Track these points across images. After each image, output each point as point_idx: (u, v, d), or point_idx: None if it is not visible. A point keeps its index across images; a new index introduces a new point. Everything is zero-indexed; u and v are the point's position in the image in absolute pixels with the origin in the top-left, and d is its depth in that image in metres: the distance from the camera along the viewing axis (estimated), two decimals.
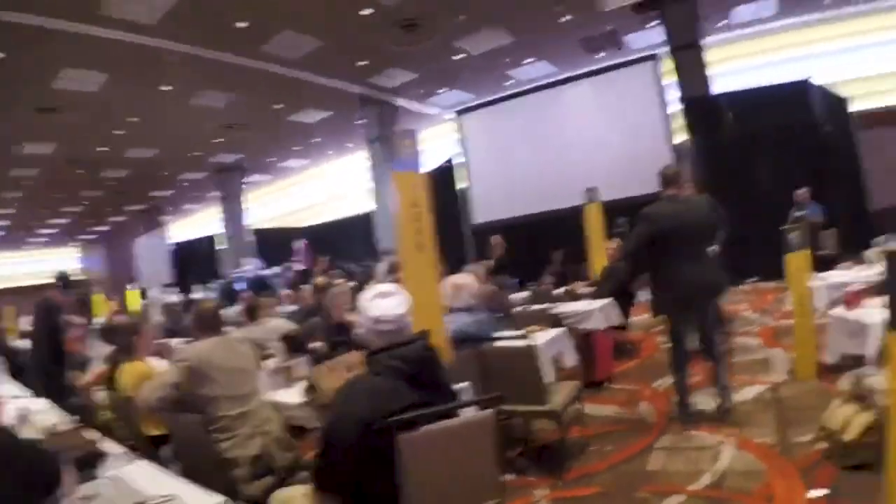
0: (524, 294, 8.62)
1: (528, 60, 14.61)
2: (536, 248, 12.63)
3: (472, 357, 4.14)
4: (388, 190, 15.83)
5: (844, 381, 4.33)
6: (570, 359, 5.17)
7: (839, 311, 4.40)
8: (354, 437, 1.98)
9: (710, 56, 12.70)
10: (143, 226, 25.83)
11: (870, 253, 7.01)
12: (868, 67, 14.60)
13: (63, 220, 25.13)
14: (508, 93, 16.26)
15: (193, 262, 22.03)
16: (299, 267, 16.46)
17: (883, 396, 2.85)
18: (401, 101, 16.48)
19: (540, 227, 14.10)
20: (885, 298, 1.97)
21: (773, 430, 4.34)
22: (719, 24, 13.82)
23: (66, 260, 28.37)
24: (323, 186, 22.66)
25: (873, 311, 3.94)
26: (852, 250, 10.85)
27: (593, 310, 6.13)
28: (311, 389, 3.29)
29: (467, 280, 4.69)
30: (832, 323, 4.47)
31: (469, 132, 17.01)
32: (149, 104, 13.35)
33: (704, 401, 4.91)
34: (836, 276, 6.06)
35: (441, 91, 16.14)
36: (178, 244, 24.41)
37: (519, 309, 6.43)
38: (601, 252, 8.44)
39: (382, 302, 2.25)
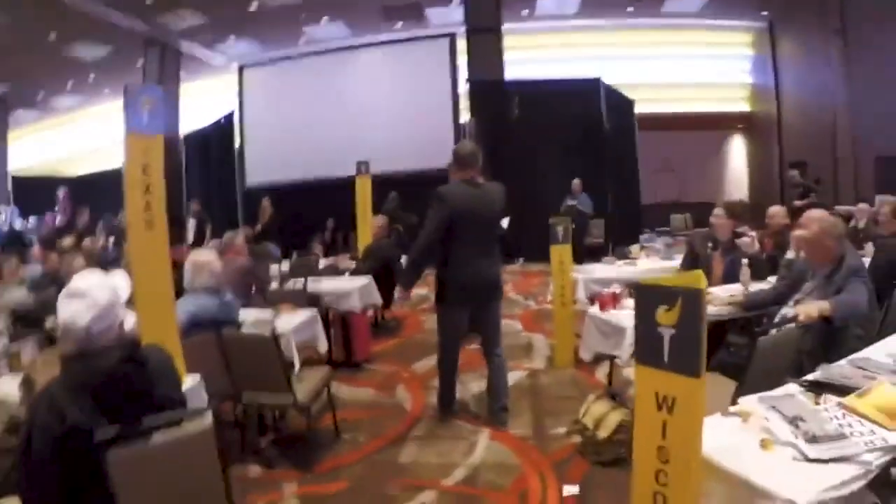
0: (285, 264, 7.96)
1: (325, 19, 13.80)
2: (309, 215, 12.22)
3: (210, 344, 3.68)
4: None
5: (600, 372, 4.89)
6: (322, 343, 4.87)
7: (594, 310, 4.32)
8: (48, 452, 1.75)
9: (507, 42, 12.72)
10: None
11: (633, 248, 7.22)
12: (652, 75, 15.71)
13: None
14: (296, 51, 15.26)
15: None
16: (58, 219, 14.53)
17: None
18: (187, 47, 14.90)
19: (314, 193, 13.27)
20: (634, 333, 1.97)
21: (529, 422, 4.34)
22: (522, 13, 13.99)
23: None
24: (98, 131, 19.94)
25: (627, 314, 3.94)
26: (622, 241, 11.73)
27: (352, 289, 5.85)
28: (27, 383, 2.73)
29: (209, 257, 4.05)
30: (588, 322, 4.38)
31: (250, 87, 15.62)
32: None
33: (473, 399, 4.80)
34: (599, 270, 6.10)
35: (230, 39, 14.79)
36: None
37: (275, 285, 6.00)
38: (367, 227, 8.11)
39: (68, 306, 1.87)
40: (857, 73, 12.74)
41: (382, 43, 14.53)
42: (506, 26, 12.64)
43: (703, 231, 5.43)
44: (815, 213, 3.39)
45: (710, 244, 4.84)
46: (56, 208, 15.27)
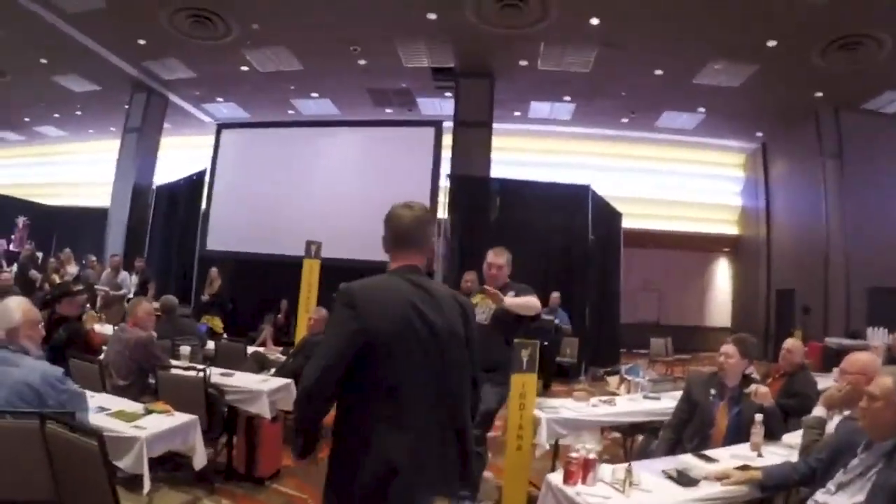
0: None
1: (314, 95, 13.50)
2: (266, 293, 11.55)
3: (29, 437, 2.63)
4: (129, 187, 13.94)
5: None
6: (200, 456, 3.84)
7: (556, 479, 3.22)
8: None
9: (496, 143, 12.29)
10: None
11: (611, 379, 6.48)
12: (639, 190, 15.43)
13: None
14: (276, 118, 14.83)
15: None
16: (11, 246, 14.53)
17: None
18: (175, 98, 14.54)
19: (274, 270, 12.34)
20: None
21: None
22: (515, 114, 13.75)
23: None
24: (79, 168, 19.65)
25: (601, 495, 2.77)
26: (597, 361, 10.86)
27: (263, 391, 4.84)
28: None
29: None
30: (545, 494, 3.32)
31: (225, 148, 14.75)
32: None
33: None
34: (568, 407, 4.78)
35: (219, 100, 14.49)
36: None
37: (175, 370, 4.86)
38: (307, 315, 7.12)
39: None
40: (852, 199, 12.47)
41: (366, 123, 14.04)
42: (496, 126, 12.27)
43: (702, 373, 4.37)
44: (887, 369, 2.56)
45: (712, 391, 3.68)
46: (12, 236, 15.35)
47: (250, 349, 6.95)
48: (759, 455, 3.22)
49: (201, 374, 4.56)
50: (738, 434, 3.48)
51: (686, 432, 3.65)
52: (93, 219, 15.62)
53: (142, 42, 11.51)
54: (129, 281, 10.71)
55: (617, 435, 5.64)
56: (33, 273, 10.91)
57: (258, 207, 13.58)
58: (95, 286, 10.25)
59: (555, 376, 9.28)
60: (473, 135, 11.81)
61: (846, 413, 2.86)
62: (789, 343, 4.60)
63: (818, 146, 12.88)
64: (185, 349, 5.56)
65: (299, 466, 4.92)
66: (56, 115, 16.94)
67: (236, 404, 4.76)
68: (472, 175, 11.57)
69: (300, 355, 5.96)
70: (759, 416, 3.34)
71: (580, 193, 11.17)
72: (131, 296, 9.96)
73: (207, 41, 11.02)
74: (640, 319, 15.18)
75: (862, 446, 2.42)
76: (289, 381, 5.20)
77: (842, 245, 12.45)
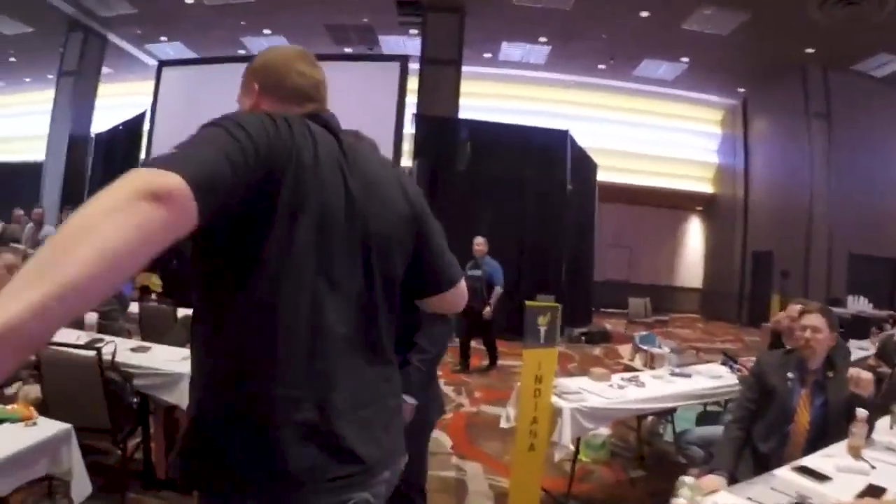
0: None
1: (266, 32, 12.33)
2: None
3: None
4: (65, 137, 12.83)
5: None
6: (81, 483, 2.63)
7: None
8: None
9: (464, 87, 11.21)
10: None
11: (623, 349, 5.64)
12: (613, 142, 14.67)
13: None
14: (223, 54, 13.07)
15: None
16: None
17: None
18: (115, 38, 13.25)
19: None
20: None
21: None
22: (485, 55, 12.80)
23: None
24: (13, 119, 18.09)
25: None
26: (573, 321, 10.14)
27: (183, 375, 3.60)
28: None
29: None
30: None
31: (167, 88, 13.00)
32: None
33: None
34: (596, 392, 3.56)
35: (163, 39, 13.25)
36: None
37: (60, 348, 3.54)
38: None
39: None
40: (839, 162, 11.90)
41: (324, 57, 12.76)
42: (465, 69, 11.19)
43: (773, 352, 3.17)
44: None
45: (789, 375, 2.71)
46: None
47: (183, 312, 5.35)
48: (865, 461, 2.30)
49: (94, 352, 3.26)
50: (821, 432, 2.60)
51: (756, 429, 2.71)
52: (28, 173, 14.42)
53: None
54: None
55: None
56: None
57: None
58: (14, 245, 9.03)
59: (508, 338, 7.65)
60: (442, 74, 10.73)
61: None
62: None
63: (804, 105, 12.25)
64: (90, 316, 4.30)
65: None
66: None
67: (148, 391, 3.55)
68: (441, 116, 10.51)
69: None
70: (861, 412, 2.38)
71: (558, 140, 10.16)
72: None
73: None
74: (610, 277, 14.53)
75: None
76: None
77: (825, 209, 11.91)
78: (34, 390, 3.34)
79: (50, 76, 14.38)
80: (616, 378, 3.90)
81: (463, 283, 1.47)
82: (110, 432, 3.25)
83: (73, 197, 12.27)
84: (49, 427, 2.46)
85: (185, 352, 3.82)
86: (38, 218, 9.64)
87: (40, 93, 15.70)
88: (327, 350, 1.14)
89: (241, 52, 13.28)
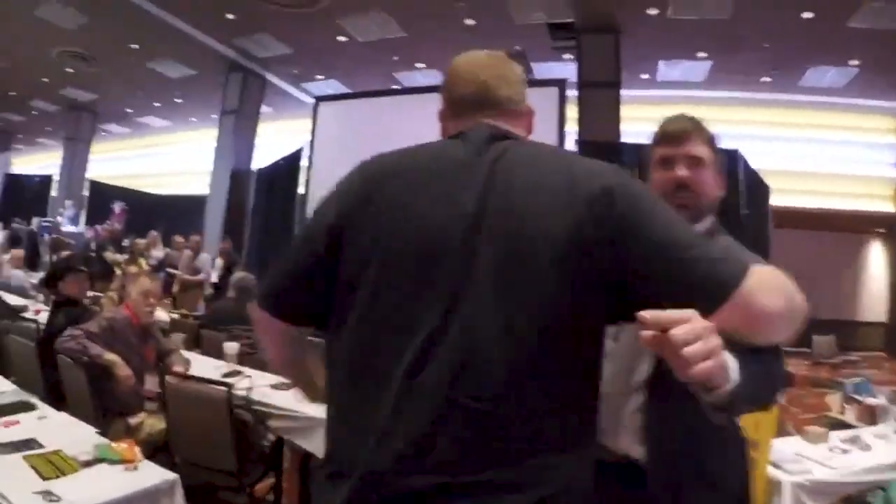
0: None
1: (419, 66, 12.43)
2: None
3: None
4: (227, 171, 13.48)
5: None
6: None
7: None
8: None
9: (623, 112, 10.73)
10: None
11: (829, 399, 4.99)
12: (780, 161, 13.49)
13: None
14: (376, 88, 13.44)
15: (24, 198, 19.57)
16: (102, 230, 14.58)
17: None
18: (272, 78, 13.93)
19: None
20: None
21: None
22: (642, 76, 12.21)
23: None
24: (182, 157, 20.26)
25: None
26: None
27: (321, 420, 3.26)
28: None
29: None
30: None
31: (323, 123, 13.29)
32: None
33: None
34: (815, 462, 2.88)
35: (319, 78, 13.83)
36: (9, 175, 22.02)
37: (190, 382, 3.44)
38: None
39: None
40: None
41: None
42: (623, 92, 10.69)
43: None
44: None
45: None
46: (107, 221, 16.00)
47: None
48: None
49: (224, 388, 3.03)
50: None
51: None
52: (193, 206, 15.61)
53: (230, 17, 10.83)
54: (210, 264, 10.07)
55: None
56: (110, 254, 10.59)
57: None
58: (170, 270, 9.86)
59: None
60: (601, 97, 10.31)
61: None
62: None
63: None
64: (231, 346, 4.18)
65: None
66: (157, 104, 17.10)
67: (284, 435, 3.22)
68: (604, 140, 10.13)
69: None
70: None
71: (729, 160, 9.46)
72: (214, 277, 9.57)
73: (298, 10, 10.16)
74: None
75: None
76: None
77: None
78: (158, 423, 3.24)
79: (213, 115, 15.39)
80: (834, 439, 3.20)
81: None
82: (236, 475, 3.01)
83: (233, 227, 12.93)
84: (152, 475, 2.19)
85: None
86: (195, 246, 10.25)
87: (205, 131, 17.05)
88: None
89: (396, 87, 13.51)
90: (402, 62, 12.36)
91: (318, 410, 2.78)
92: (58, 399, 3.38)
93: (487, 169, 1.06)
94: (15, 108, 19.38)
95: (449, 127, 1.28)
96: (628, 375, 1.47)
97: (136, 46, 12.61)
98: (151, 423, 3.28)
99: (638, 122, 12.38)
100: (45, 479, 2.07)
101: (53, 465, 2.16)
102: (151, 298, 3.66)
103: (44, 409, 2.85)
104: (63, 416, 2.82)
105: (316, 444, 3.03)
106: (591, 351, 1.05)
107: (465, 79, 1.26)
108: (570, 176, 1.04)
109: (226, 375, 3.50)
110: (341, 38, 11.39)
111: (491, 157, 1.08)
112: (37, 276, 8.65)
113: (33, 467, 2.15)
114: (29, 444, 2.35)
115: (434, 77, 12.67)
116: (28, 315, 5.63)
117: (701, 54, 11.29)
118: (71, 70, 14.75)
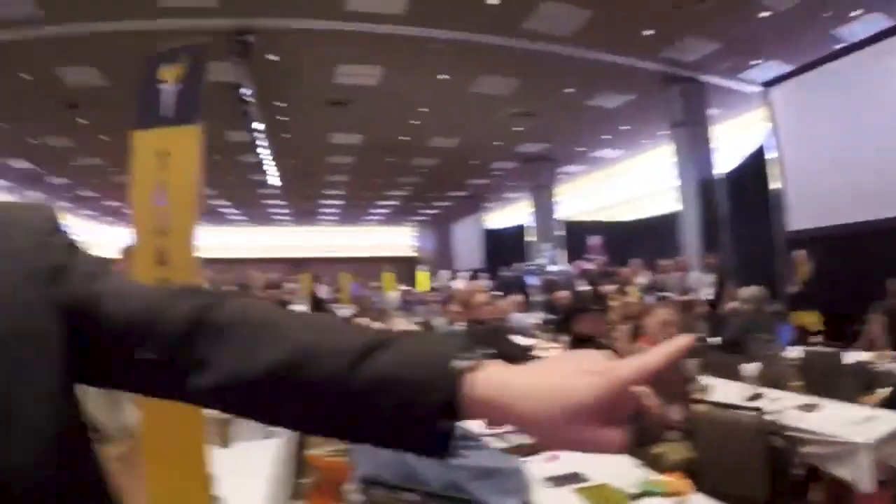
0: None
1: (855, 13, 10.73)
2: (868, 269, 8.34)
3: None
4: (692, 184, 13.52)
5: None
6: None
7: None
8: None
9: None
10: (467, 211, 27.23)
11: None
12: None
13: (391, 202, 27.58)
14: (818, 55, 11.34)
15: (504, 249, 22.41)
16: (587, 266, 15.56)
17: None
18: (707, 78, 13.68)
19: (875, 239, 9.19)
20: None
21: None
22: None
23: (402, 237, 33.99)
24: (638, 181, 21.14)
25: None
26: None
27: (859, 446, 2.89)
28: None
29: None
30: None
31: (778, 109, 11.89)
32: (432, 94, 13.32)
33: None
34: None
35: (755, 63, 12.79)
36: (488, 231, 25.30)
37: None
38: None
39: None
40: None
41: None
42: None
43: None
44: None
45: None
46: (585, 255, 16.96)
47: (849, 356, 4.83)
48: None
49: (755, 413, 2.92)
50: None
51: None
52: (662, 225, 16.06)
53: (648, 32, 11.05)
54: (702, 281, 9.87)
55: None
56: (605, 288, 10.94)
57: (839, 166, 10.53)
58: (660, 293, 9.65)
59: None
60: None
61: None
62: None
63: None
64: (750, 368, 3.98)
65: None
66: (605, 137, 17.80)
67: (815, 462, 2.97)
68: None
69: None
70: None
71: None
72: (711, 298, 9.13)
73: (707, 1, 9.67)
74: None
75: None
76: None
77: None
78: (681, 451, 3.19)
79: (660, 132, 15.73)
80: None
81: None
82: None
83: (710, 241, 12.52)
84: None
85: (861, 411, 3.30)
86: (681, 266, 10.41)
87: (659, 149, 17.45)
88: None
89: (836, 46, 11.35)
90: (835, 17, 11.18)
91: (853, 433, 2.90)
92: None
93: None
94: (479, 174, 22.26)
95: None
96: None
97: (572, 90, 13.54)
98: (674, 450, 3.24)
99: None
100: None
101: (604, 498, 2.27)
102: (671, 328, 3.76)
103: None
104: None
105: (851, 471, 2.84)
106: None
107: None
108: None
109: (749, 399, 3.45)
110: (763, 14, 10.35)
111: None
112: (533, 317, 9.46)
113: (587, 499, 2.25)
114: (575, 477, 2.47)
115: (876, 23, 11.25)
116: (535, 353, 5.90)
117: None
118: (520, 128, 16.15)
